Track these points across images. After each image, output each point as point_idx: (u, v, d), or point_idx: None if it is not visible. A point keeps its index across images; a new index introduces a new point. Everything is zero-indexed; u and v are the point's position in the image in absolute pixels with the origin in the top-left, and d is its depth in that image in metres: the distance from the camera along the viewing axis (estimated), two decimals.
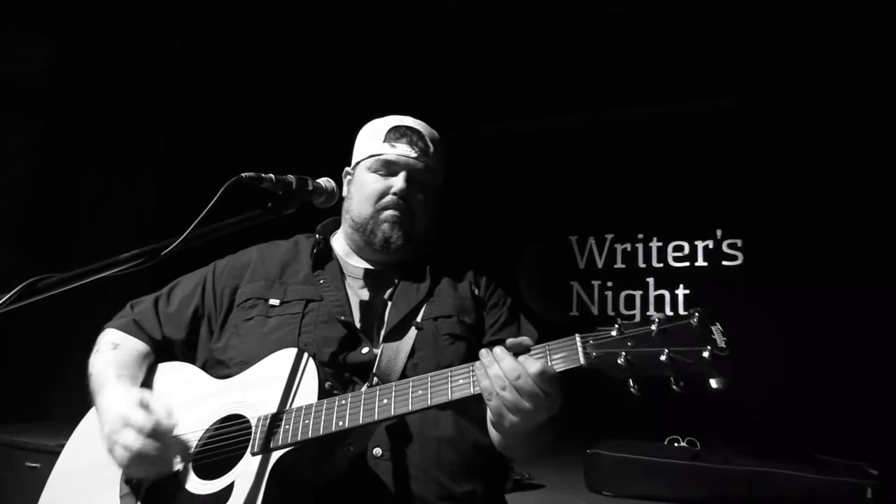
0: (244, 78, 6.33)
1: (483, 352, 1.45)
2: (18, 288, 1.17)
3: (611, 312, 7.35)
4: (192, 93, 6.02)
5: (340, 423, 1.49)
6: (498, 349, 1.43)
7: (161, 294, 1.98)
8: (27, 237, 5.19)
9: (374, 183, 1.91)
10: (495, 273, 2.06)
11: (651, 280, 7.33)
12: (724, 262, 7.07)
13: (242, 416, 1.63)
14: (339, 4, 5.49)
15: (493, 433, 1.71)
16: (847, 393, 5.95)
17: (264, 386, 1.64)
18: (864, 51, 5.49)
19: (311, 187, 1.64)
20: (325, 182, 1.70)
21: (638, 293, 7.35)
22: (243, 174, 1.49)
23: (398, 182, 1.88)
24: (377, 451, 1.65)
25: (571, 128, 7.05)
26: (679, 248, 7.25)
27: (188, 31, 5.85)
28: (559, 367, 1.38)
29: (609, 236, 7.56)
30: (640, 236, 7.40)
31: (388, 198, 1.89)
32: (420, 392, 1.47)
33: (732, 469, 4.00)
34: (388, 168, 1.91)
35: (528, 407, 1.38)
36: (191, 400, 1.74)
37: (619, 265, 7.51)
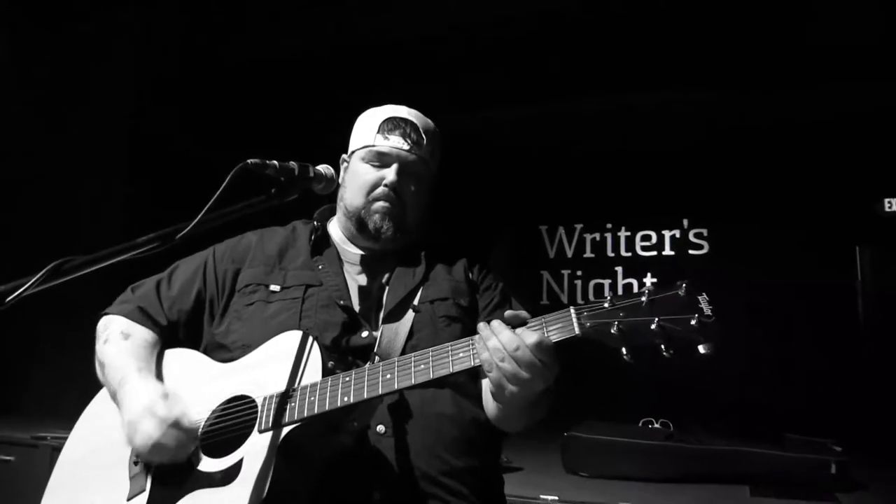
0: (244, 78, 6.31)
1: (481, 325, 1.50)
2: (46, 269, 1.19)
3: (580, 301, 7.42)
4: (192, 93, 6.01)
5: (346, 399, 1.53)
6: (496, 322, 1.48)
7: (162, 277, 1.99)
8: (27, 237, 5.16)
9: (367, 174, 1.95)
10: (485, 260, 2.12)
11: (619, 269, 7.45)
12: (691, 251, 7.22)
13: (248, 397, 1.67)
14: (339, 4, 5.50)
15: (491, 406, 1.78)
16: (811, 375, 6.14)
17: (269, 367, 1.68)
18: (864, 51, 5.55)
19: (312, 174, 1.69)
20: (325, 169, 1.74)
21: (607, 282, 7.47)
22: (248, 160, 1.54)
23: (390, 174, 1.92)
24: (380, 428, 1.70)
25: (542, 118, 7.09)
26: (647, 238, 7.38)
27: (188, 31, 5.84)
28: (555, 337, 1.45)
29: (578, 226, 7.67)
30: (609, 226, 7.52)
31: (380, 189, 1.94)
32: (422, 366, 1.51)
33: (705, 448, 4.10)
34: (381, 159, 1.95)
35: (526, 376, 1.44)
36: (196, 383, 1.78)
37: (588, 254, 7.62)
